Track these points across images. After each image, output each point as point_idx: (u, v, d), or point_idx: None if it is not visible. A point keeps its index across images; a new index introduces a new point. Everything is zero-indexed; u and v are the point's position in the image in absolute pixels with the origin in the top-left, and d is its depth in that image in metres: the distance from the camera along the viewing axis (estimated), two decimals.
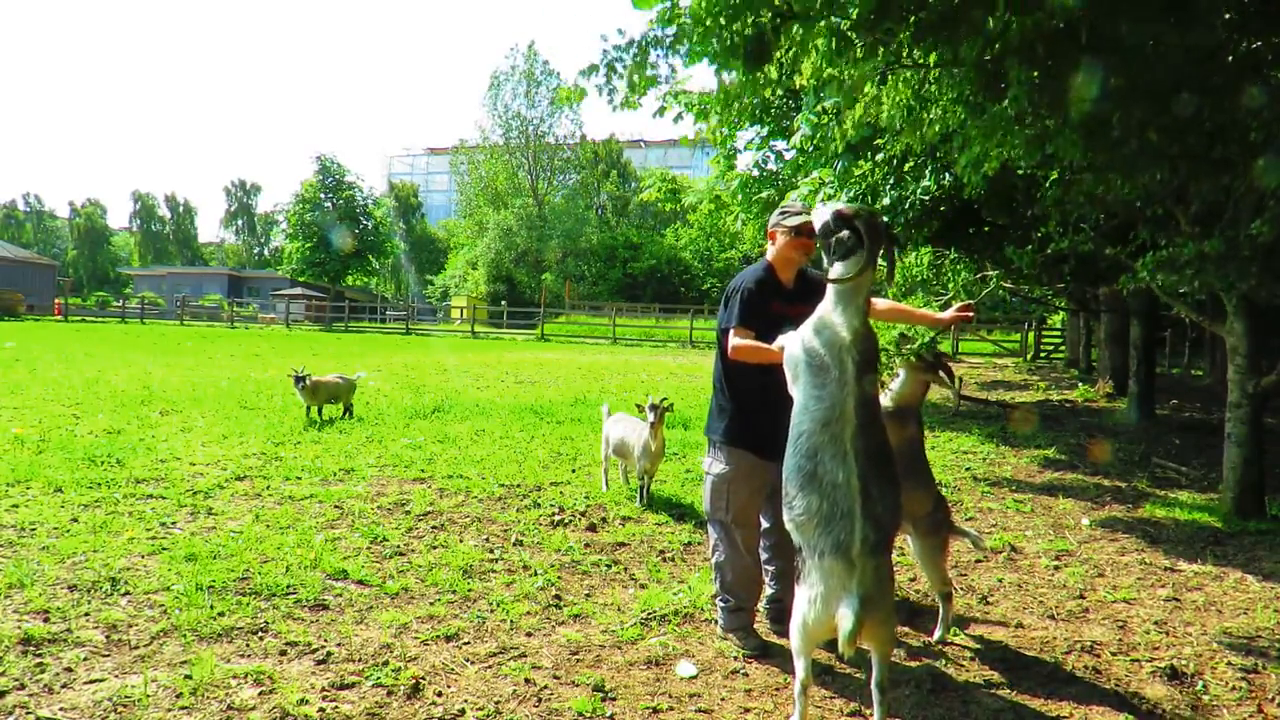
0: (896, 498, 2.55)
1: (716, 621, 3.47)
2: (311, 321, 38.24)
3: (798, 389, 2.66)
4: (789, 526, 2.58)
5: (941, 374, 3.52)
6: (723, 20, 3.30)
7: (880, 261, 2.68)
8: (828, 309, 2.64)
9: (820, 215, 2.74)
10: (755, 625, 3.43)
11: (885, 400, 3.50)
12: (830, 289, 2.65)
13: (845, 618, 2.32)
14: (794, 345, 2.73)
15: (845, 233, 2.62)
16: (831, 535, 2.41)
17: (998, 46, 3.45)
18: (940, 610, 3.48)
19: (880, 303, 3.38)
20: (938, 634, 3.45)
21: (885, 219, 2.68)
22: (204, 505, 4.93)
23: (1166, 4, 3.24)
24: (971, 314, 3.34)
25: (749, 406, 3.33)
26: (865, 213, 2.66)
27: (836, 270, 2.64)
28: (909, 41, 3.52)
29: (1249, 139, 4.01)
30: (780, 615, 3.45)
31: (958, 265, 8.79)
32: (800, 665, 2.54)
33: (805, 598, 2.47)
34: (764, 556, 3.51)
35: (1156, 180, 4.63)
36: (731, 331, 3.21)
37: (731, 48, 3.36)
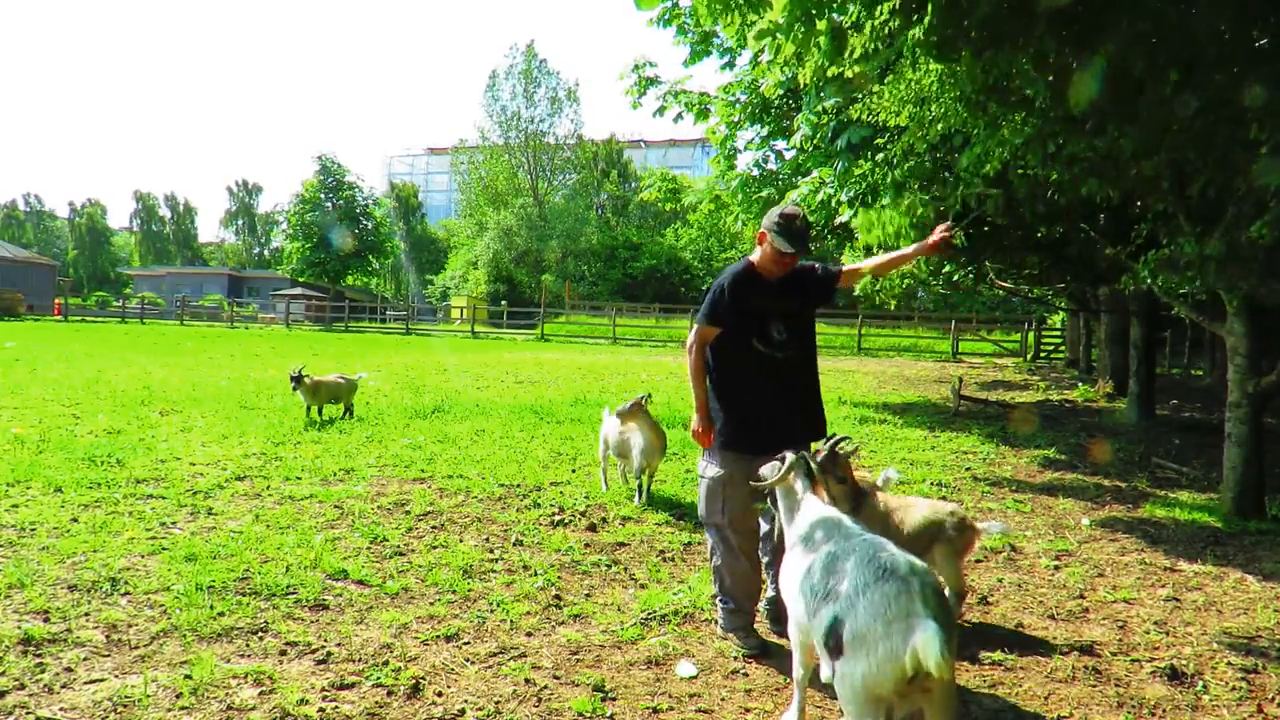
0: None
1: (716, 621, 3.47)
2: (311, 321, 38.26)
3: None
4: None
5: (831, 480, 3.24)
6: None
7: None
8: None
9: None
10: (755, 625, 3.43)
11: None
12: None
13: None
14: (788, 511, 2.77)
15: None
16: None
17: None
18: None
19: (867, 263, 3.54)
20: None
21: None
22: (204, 505, 4.93)
23: None
24: (950, 234, 3.35)
25: (740, 410, 3.32)
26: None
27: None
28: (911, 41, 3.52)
29: (1248, 136, 4.00)
30: (780, 615, 3.44)
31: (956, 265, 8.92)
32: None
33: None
34: (765, 560, 3.51)
35: (1161, 166, 4.51)
36: (696, 329, 3.31)
37: None
